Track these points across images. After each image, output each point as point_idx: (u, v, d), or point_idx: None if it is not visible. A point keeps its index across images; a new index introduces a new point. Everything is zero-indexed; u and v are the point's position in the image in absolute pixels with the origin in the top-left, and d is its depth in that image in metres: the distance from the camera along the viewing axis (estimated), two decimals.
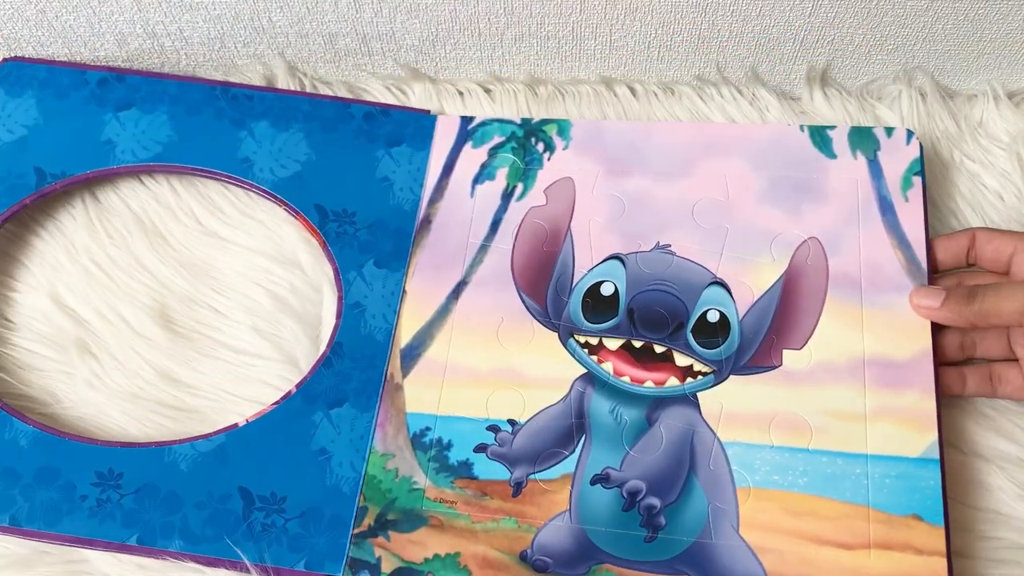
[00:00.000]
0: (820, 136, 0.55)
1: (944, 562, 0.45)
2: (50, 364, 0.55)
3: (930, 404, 0.48)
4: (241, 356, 0.55)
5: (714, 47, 0.60)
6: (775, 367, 0.50)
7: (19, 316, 0.57)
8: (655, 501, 0.47)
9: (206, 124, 0.59)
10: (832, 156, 0.55)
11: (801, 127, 0.56)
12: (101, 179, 0.58)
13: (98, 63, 0.63)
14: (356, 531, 0.48)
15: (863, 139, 0.55)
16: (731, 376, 0.50)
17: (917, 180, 0.53)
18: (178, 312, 0.57)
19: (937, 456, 0.47)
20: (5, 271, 0.58)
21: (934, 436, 0.47)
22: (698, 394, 0.50)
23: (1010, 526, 0.49)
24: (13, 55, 0.62)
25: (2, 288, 0.57)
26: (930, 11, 0.55)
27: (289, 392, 0.51)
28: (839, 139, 0.55)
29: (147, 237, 0.58)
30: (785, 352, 0.50)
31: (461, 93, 0.63)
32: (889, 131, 0.55)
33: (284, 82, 0.62)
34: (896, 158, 0.54)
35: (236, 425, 0.51)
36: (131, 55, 0.62)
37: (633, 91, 0.63)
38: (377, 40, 0.60)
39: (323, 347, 0.54)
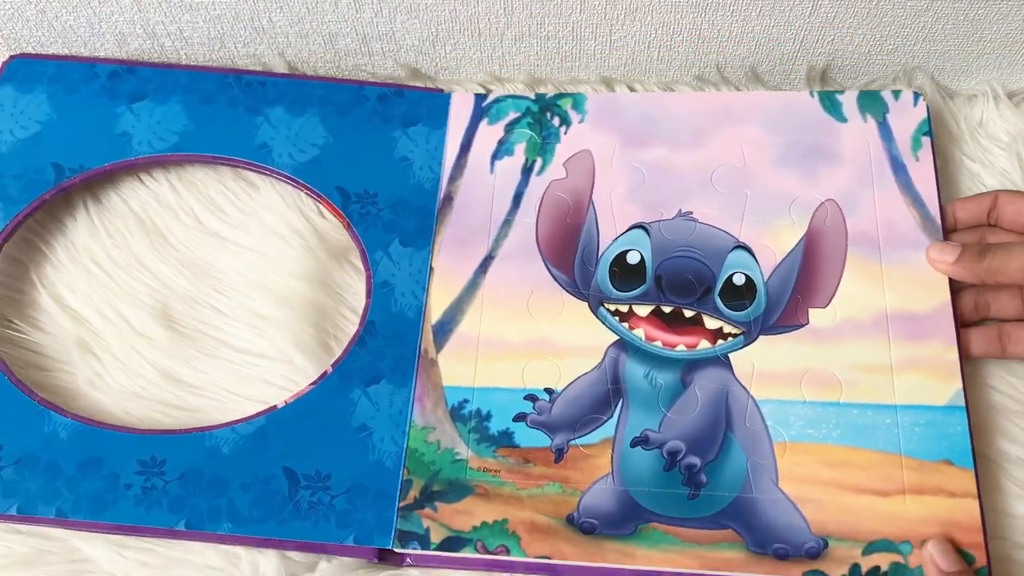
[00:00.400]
0: (830, 100, 0.57)
1: (976, 503, 0.47)
2: (52, 364, 0.55)
3: (952, 354, 0.50)
4: (243, 355, 0.55)
5: (714, 47, 0.60)
6: (802, 326, 0.51)
7: (21, 316, 0.56)
8: (695, 460, 0.48)
9: (221, 112, 0.59)
10: (843, 120, 0.56)
11: (811, 92, 0.57)
12: (120, 171, 0.59)
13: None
14: (402, 504, 0.49)
15: (872, 102, 0.56)
16: (760, 336, 0.51)
17: (926, 140, 0.55)
18: (179, 312, 0.57)
19: (962, 404, 0.49)
20: (6, 271, 0.57)
21: (958, 385, 0.49)
22: (730, 355, 0.51)
23: (1012, 526, 0.49)
24: (12, 54, 0.62)
25: (4, 288, 0.57)
26: (930, 11, 0.56)
27: (325, 372, 0.52)
28: (848, 103, 0.57)
29: (148, 237, 0.58)
30: (811, 311, 0.52)
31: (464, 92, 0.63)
32: (896, 94, 0.57)
33: None
34: (905, 119, 0.56)
35: (275, 407, 0.51)
36: (131, 55, 0.62)
37: (633, 91, 0.63)
38: (377, 40, 0.60)
39: (338, 344, 0.55)
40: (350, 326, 0.56)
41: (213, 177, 0.60)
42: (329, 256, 0.57)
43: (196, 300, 0.57)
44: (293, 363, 0.54)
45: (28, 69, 0.60)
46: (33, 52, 0.61)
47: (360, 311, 0.56)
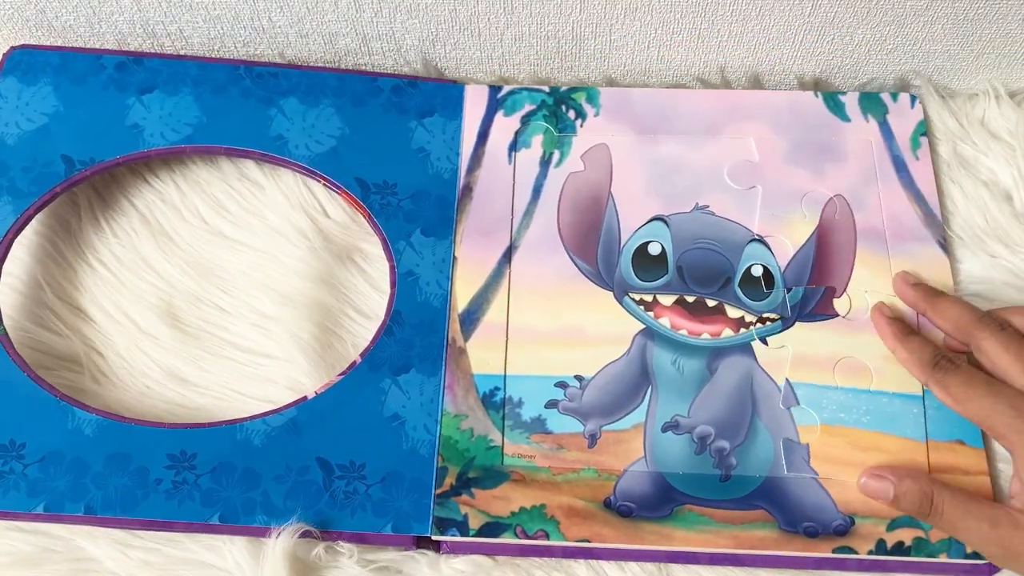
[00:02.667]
0: (833, 101, 0.59)
1: (988, 480, 0.49)
2: (57, 363, 0.55)
3: None
4: (248, 355, 0.55)
5: (714, 47, 0.61)
6: (833, 316, 0.54)
7: (26, 315, 0.55)
8: (724, 444, 0.50)
9: (234, 103, 0.58)
10: (846, 119, 0.59)
11: (815, 93, 0.60)
12: (133, 164, 0.58)
13: None
14: (439, 491, 0.49)
15: (872, 103, 0.59)
16: (797, 322, 0.53)
17: (924, 140, 0.58)
18: (184, 311, 0.56)
19: None
20: (11, 271, 0.56)
21: None
22: (768, 339, 0.53)
23: None
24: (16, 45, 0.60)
25: (8, 288, 0.56)
26: (930, 11, 0.57)
27: (354, 362, 0.52)
28: (851, 104, 0.59)
29: (153, 236, 0.58)
30: (834, 302, 0.54)
31: None
32: (894, 96, 0.60)
33: None
34: (904, 120, 0.59)
35: (305, 398, 0.51)
36: None
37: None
38: (377, 40, 0.60)
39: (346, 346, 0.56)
40: (355, 326, 0.56)
41: (218, 176, 0.60)
42: (333, 256, 0.57)
43: (201, 299, 0.57)
44: (297, 362, 0.54)
45: (31, 60, 0.58)
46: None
47: (364, 310, 0.57)
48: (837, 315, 0.54)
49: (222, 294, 0.57)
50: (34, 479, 0.48)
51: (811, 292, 0.54)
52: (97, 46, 0.61)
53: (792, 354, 0.52)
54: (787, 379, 0.52)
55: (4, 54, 0.59)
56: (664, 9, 0.58)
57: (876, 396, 0.51)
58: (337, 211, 0.59)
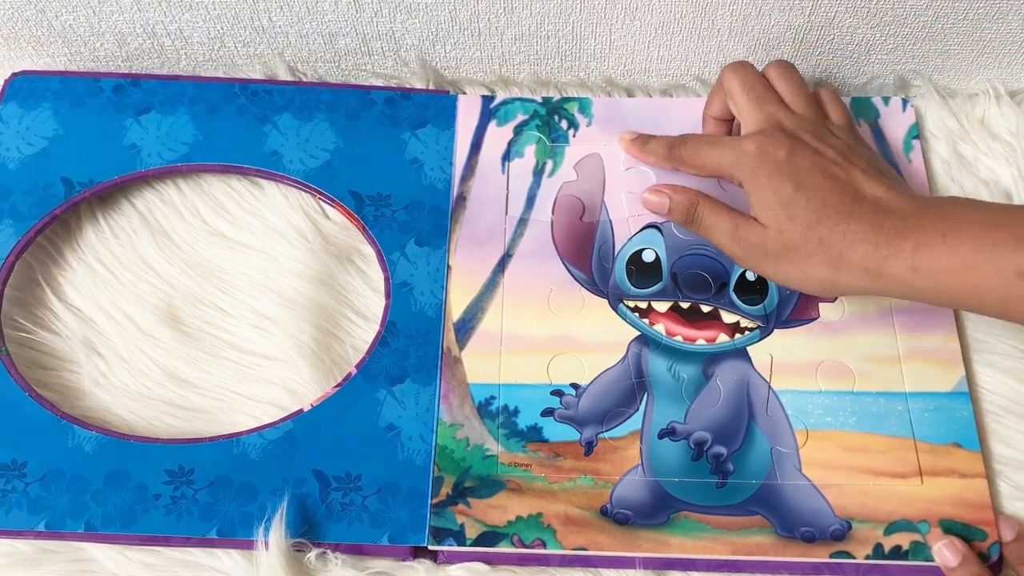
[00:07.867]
0: None
1: (985, 482, 0.49)
2: (57, 363, 0.55)
3: (954, 343, 0.52)
4: (247, 356, 0.56)
5: (714, 47, 0.61)
6: (814, 319, 0.53)
7: (26, 315, 0.56)
8: (721, 449, 0.50)
9: (229, 121, 0.59)
10: None
11: None
12: (131, 184, 0.59)
13: (98, 63, 0.62)
14: (435, 501, 0.49)
15: (864, 108, 0.59)
16: (776, 330, 0.53)
17: (916, 143, 0.58)
18: (184, 312, 0.57)
19: (967, 389, 0.51)
20: (11, 271, 0.56)
21: (962, 372, 0.52)
22: (748, 348, 0.53)
23: None
24: (12, 54, 0.61)
25: (10, 288, 0.56)
26: (930, 10, 0.57)
27: (349, 373, 0.52)
28: None
29: (153, 237, 0.58)
30: (821, 305, 0.54)
31: (464, 93, 0.64)
32: (886, 100, 0.60)
33: None
34: (895, 124, 0.59)
35: (302, 410, 0.52)
36: (131, 55, 0.62)
37: (631, 94, 0.63)
38: (377, 40, 0.61)
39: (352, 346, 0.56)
40: (353, 327, 0.56)
41: (218, 177, 0.60)
42: (332, 257, 0.58)
43: (201, 300, 0.57)
44: (296, 364, 0.54)
45: (31, 86, 0.59)
46: (32, 51, 0.61)
47: (363, 312, 0.57)
48: (814, 319, 0.54)
49: (222, 295, 0.57)
50: (35, 497, 0.49)
51: (787, 298, 0.54)
52: (97, 46, 0.61)
53: (774, 361, 0.52)
54: (771, 387, 0.52)
55: (6, 80, 0.59)
56: (664, 9, 0.58)
57: (860, 397, 0.51)
58: (336, 212, 0.59)
